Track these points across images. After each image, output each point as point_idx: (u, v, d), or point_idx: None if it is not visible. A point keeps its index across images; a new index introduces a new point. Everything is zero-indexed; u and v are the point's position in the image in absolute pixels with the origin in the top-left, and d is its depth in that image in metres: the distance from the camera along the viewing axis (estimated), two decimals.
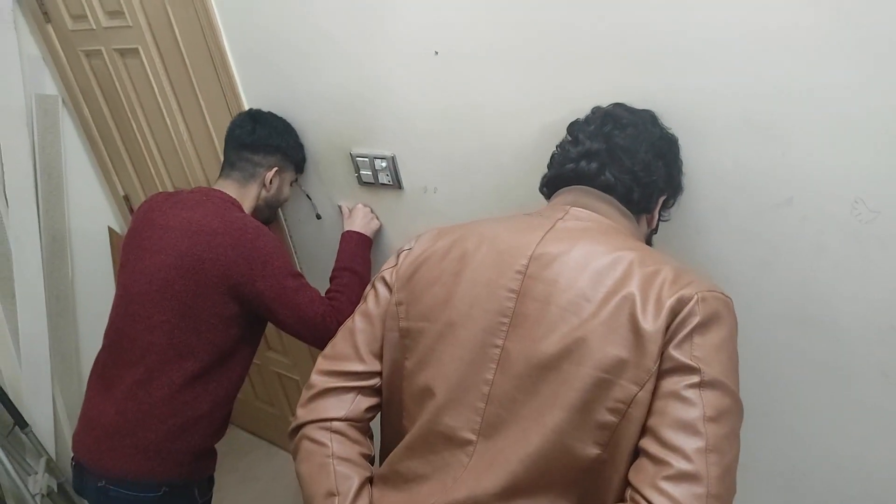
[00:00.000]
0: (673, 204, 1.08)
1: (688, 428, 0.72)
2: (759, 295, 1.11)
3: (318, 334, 1.39)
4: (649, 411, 0.76)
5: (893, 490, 1.14)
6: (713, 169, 1.06)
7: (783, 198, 1.02)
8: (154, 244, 1.39)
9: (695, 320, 0.76)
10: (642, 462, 0.74)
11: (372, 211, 1.63)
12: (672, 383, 0.75)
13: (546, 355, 0.80)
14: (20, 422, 2.13)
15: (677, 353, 0.75)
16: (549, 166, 1.06)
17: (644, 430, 0.76)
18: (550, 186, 1.04)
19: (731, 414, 0.75)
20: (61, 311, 2.33)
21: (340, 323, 1.35)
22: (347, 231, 1.58)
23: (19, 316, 2.17)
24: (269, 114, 1.60)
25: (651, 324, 0.76)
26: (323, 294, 1.45)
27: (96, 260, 2.48)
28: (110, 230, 2.48)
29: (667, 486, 0.70)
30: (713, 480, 0.70)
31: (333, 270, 1.52)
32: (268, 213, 1.62)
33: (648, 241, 1.06)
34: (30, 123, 2.15)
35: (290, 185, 1.64)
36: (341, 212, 1.67)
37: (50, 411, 2.28)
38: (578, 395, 0.77)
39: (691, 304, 0.76)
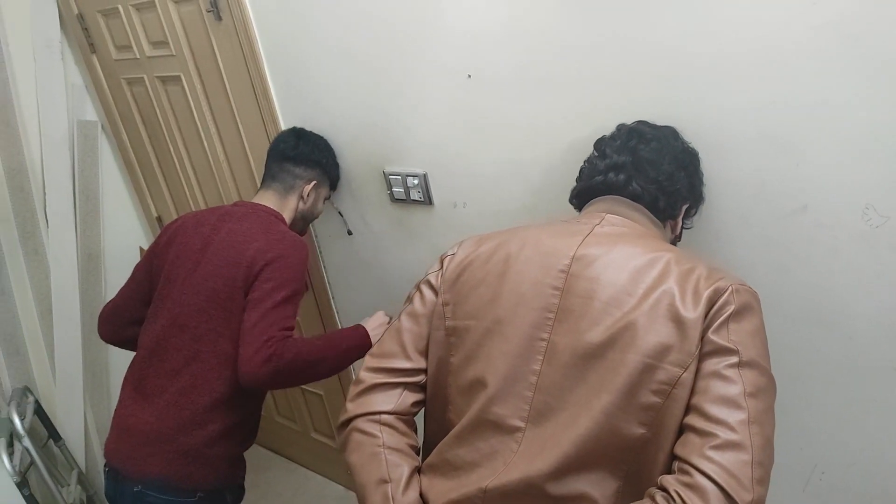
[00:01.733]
0: (695, 213, 1.16)
1: (730, 403, 0.79)
2: (779, 297, 1.18)
3: (246, 355, 1.32)
4: (692, 391, 0.83)
5: None
6: (733, 180, 1.14)
7: (798, 205, 1.10)
8: (202, 256, 1.45)
9: (731, 308, 0.83)
10: (688, 436, 0.81)
11: (391, 320, 1.48)
12: (713, 364, 0.82)
13: (592, 345, 0.87)
14: (54, 435, 2.20)
15: (716, 337, 0.82)
16: (578, 179, 1.15)
17: (688, 409, 0.83)
18: (580, 198, 1.13)
19: (768, 391, 0.83)
20: (94, 328, 2.39)
21: (274, 362, 1.31)
22: (358, 326, 1.54)
23: (55, 332, 2.25)
24: (312, 132, 1.70)
25: (691, 312, 0.84)
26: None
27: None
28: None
29: (714, 454, 0.77)
30: (756, 449, 0.77)
31: (321, 335, 1.51)
32: (301, 226, 1.70)
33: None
34: (71, 148, 2.26)
35: (324, 201, 1.73)
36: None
37: (81, 426, 2.34)
38: (625, 380, 0.84)
39: (727, 294, 0.84)
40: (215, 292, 1.42)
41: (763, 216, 1.14)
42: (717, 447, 0.77)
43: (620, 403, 0.84)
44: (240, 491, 1.58)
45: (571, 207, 1.16)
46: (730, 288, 0.85)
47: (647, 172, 1.05)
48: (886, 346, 1.12)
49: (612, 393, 0.85)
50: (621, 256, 0.92)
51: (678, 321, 0.84)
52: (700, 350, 0.83)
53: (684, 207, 1.11)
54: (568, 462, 0.86)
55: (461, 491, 0.92)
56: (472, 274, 1.03)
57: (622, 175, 1.05)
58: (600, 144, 1.13)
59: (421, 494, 0.98)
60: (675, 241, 1.15)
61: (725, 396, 0.80)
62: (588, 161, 1.14)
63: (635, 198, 1.05)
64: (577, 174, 1.16)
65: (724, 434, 0.78)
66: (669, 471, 0.82)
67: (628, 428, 0.84)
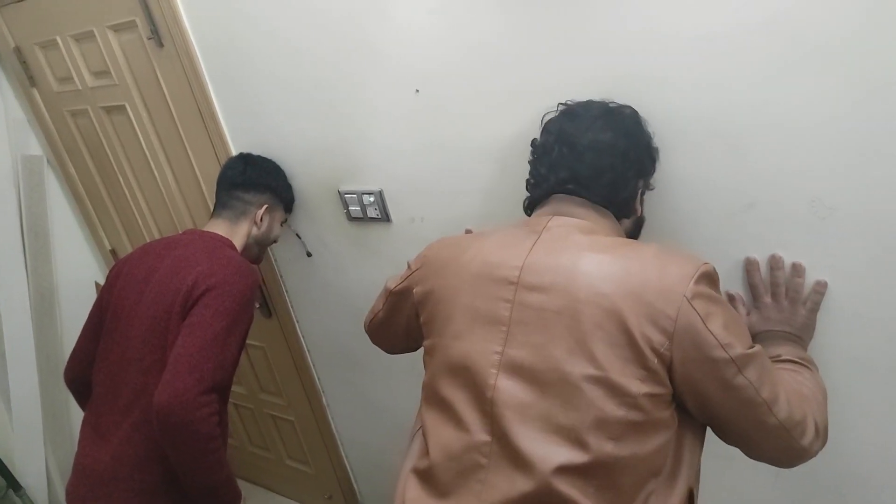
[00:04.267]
0: (654, 172, 1.11)
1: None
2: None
3: (174, 381, 1.23)
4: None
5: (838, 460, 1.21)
6: (683, 179, 1.15)
7: (747, 202, 1.11)
8: (146, 286, 1.42)
9: (697, 322, 0.84)
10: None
11: None
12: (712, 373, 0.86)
13: (553, 359, 0.87)
14: (13, 484, 2.12)
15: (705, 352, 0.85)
16: (527, 189, 1.12)
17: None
18: (531, 209, 1.11)
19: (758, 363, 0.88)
20: (52, 369, 2.32)
21: (198, 408, 1.24)
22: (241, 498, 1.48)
23: (10, 377, 2.17)
24: (260, 156, 1.67)
25: (645, 338, 0.84)
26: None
27: (83, 314, 2.46)
28: (97, 284, 2.50)
29: None
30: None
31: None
32: (257, 252, 1.67)
33: (638, 226, 1.13)
34: (16, 184, 2.19)
35: (281, 224, 1.70)
36: None
37: (43, 472, 2.26)
38: (583, 397, 0.85)
39: (685, 316, 0.84)
40: (156, 321, 1.37)
41: (713, 214, 1.15)
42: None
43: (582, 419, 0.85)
44: None
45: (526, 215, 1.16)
46: (682, 303, 0.84)
47: (589, 187, 1.02)
48: (842, 336, 1.13)
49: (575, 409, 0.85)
50: (568, 261, 0.91)
51: (630, 340, 0.85)
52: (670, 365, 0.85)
53: (639, 194, 1.09)
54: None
55: None
56: (433, 289, 1.04)
57: (569, 187, 1.04)
58: (535, 153, 1.10)
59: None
60: (638, 223, 1.13)
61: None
62: (530, 171, 1.11)
63: (585, 201, 1.03)
64: (525, 184, 1.13)
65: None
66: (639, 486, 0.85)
67: (597, 444, 0.84)
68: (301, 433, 2.35)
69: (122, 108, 1.93)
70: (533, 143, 1.12)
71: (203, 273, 1.35)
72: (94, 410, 1.46)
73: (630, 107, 1.09)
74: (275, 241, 1.71)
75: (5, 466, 2.09)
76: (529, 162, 1.12)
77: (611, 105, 1.08)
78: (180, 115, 1.81)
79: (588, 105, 1.09)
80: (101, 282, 2.50)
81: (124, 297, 1.46)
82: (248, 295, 1.38)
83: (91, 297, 2.50)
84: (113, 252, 2.42)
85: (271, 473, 2.66)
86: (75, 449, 1.50)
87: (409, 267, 1.13)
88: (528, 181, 1.12)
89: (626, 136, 1.05)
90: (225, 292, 1.33)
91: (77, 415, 2.39)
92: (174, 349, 1.28)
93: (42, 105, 2.16)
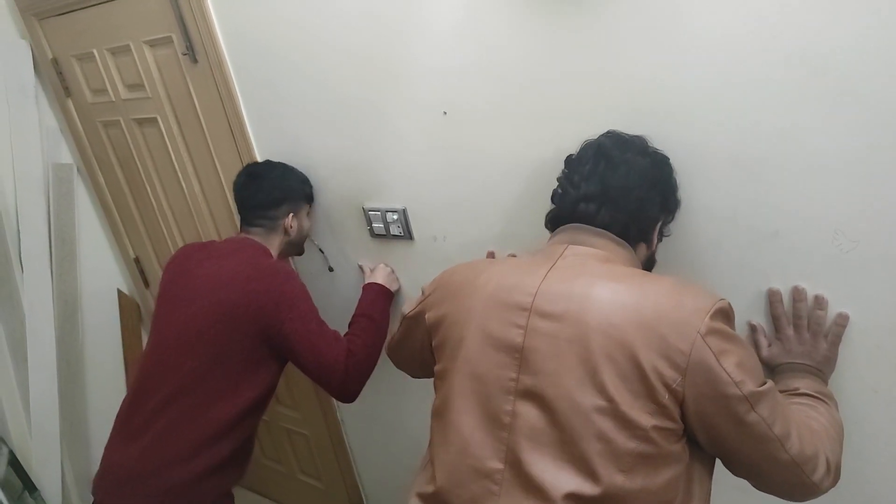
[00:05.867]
0: (672, 220, 1.15)
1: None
2: (754, 320, 1.20)
3: (336, 377, 1.45)
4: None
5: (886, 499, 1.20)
6: (706, 206, 1.16)
7: (770, 231, 1.12)
8: (189, 293, 1.47)
9: (710, 359, 0.84)
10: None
11: (393, 272, 1.70)
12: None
13: (564, 388, 0.88)
14: (29, 486, 2.14)
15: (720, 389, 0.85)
16: (552, 201, 1.13)
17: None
18: (554, 224, 1.12)
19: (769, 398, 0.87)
20: (71, 375, 2.36)
21: (357, 365, 1.44)
22: (369, 283, 1.66)
23: (31, 382, 2.20)
24: (265, 163, 1.68)
25: (656, 373, 0.85)
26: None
27: (105, 322, 2.52)
28: (119, 292, 2.54)
29: None
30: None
31: (353, 317, 1.59)
32: (297, 250, 1.73)
33: (649, 265, 1.14)
34: (46, 192, 2.24)
35: (308, 214, 1.71)
36: (362, 270, 1.75)
37: (58, 476, 2.28)
38: (594, 428, 0.85)
39: (698, 352, 0.84)
40: (203, 330, 1.42)
41: (736, 242, 1.16)
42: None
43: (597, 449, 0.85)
44: None
45: (547, 231, 1.16)
46: (695, 341, 0.84)
47: (616, 202, 1.03)
48: (864, 369, 1.13)
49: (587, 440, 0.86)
50: (582, 290, 0.91)
51: (641, 373, 0.85)
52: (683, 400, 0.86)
53: (658, 226, 1.10)
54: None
55: None
56: (445, 314, 1.05)
57: (592, 205, 1.04)
58: (569, 166, 1.12)
59: None
60: (651, 257, 1.14)
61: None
62: (559, 183, 1.12)
63: (605, 227, 1.04)
64: (551, 196, 1.15)
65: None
66: None
67: (607, 475, 0.85)
68: (314, 448, 2.35)
69: (153, 121, 1.98)
70: (568, 158, 1.13)
71: (259, 292, 1.43)
72: (126, 410, 1.50)
73: (665, 154, 1.12)
74: (309, 233, 1.74)
75: (22, 468, 2.11)
76: (559, 177, 1.13)
77: (649, 144, 1.11)
78: (210, 129, 1.85)
79: (629, 136, 1.11)
80: (123, 289, 2.55)
81: (164, 303, 1.53)
82: (304, 289, 1.51)
83: (113, 305, 2.56)
84: (137, 261, 2.46)
85: (282, 487, 2.66)
86: (91, 455, 1.53)
87: (422, 292, 1.14)
88: (555, 192, 1.12)
89: (660, 169, 1.09)
90: (292, 301, 1.45)
91: (95, 421, 2.43)
92: (305, 364, 1.46)
93: (76, 115, 2.22)
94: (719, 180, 1.13)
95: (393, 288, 1.67)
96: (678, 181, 1.14)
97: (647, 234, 1.08)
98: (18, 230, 2.18)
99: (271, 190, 1.62)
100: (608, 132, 1.13)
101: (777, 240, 1.12)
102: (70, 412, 2.34)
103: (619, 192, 1.03)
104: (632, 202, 1.03)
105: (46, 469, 2.24)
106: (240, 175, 1.66)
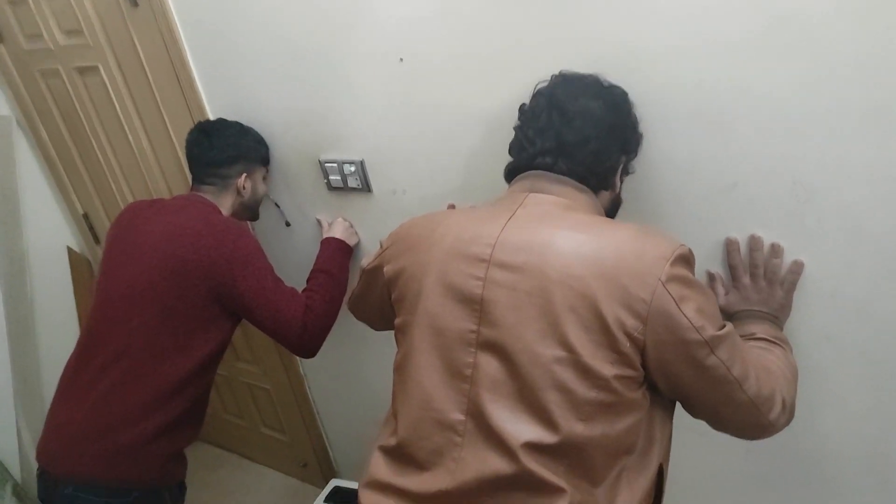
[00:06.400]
0: (635, 157, 1.13)
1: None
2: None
3: (294, 333, 1.44)
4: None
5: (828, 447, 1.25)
6: (667, 158, 1.15)
7: (729, 182, 1.12)
8: (137, 250, 1.42)
9: (671, 305, 0.84)
10: None
11: (352, 226, 1.67)
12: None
13: (524, 340, 0.87)
14: None
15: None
16: (510, 153, 1.10)
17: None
18: (512, 175, 1.09)
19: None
20: (22, 333, 2.28)
21: (315, 321, 1.42)
22: (327, 237, 1.63)
23: None
24: (220, 122, 1.61)
25: (618, 323, 0.85)
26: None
27: (56, 279, 2.44)
28: (69, 249, 2.45)
29: None
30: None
31: (310, 272, 1.56)
32: (251, 214, 1.67)
33: (615, 207, 1.12)
34: None
35: (264, 179, 1.66)
36: (320, 224, 1.71)
37: (13, 436, 2.23)
38: (554, 379, 0.86)
39: (659, 299, 0.84)
40: (150, 286, 1.38)
41: (695, 193, 1.16)
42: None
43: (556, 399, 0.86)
44: (180, 489, 1.54)
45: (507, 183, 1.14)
46: (656, 289, 0.84)
47: (573, 156, 1.01)
48: (818, 316, 1.16)
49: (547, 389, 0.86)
50: (544, 240, 0.90)
51: (603, 324, 0.85)
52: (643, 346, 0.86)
53: (620, 168, 1.08)
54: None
55: (422, 489, 0.92)
56: (403, 267, 1.03)
57: (549, 159, 1.02)
58: (523, 118, 1.09)
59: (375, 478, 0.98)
60: (615, 201, 1.12)
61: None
62: (515, 135, 1.09)
63: (563, 174, 1.01)
64: (508, 148, 1.11)
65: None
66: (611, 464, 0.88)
67: (566, 424, 0.85)
68: (277, 402, 2.35)
69: (95, 70, 1.87)
70: (521, 108, 1.10)
71: (211, 247, 1.38)
72: (71, 369, 1.46)
73: (621, 88, 1.08)
74: (263, 197, 1.68)
75: None
76: (515, 128, 1.10)
77: (603, 82, 1.07)
78: (156, 79, 1.76)
79: (582, 77, 1.07)
80: (73, 246, 2.46)
81: (111, 258, 1.48)
82: (258, 246, 1.48)
83: (63, 262, 2.47)
84: (86, 216, 2.37)
85: (246, 441, 2.66)
86: (46, 410, 1.49)
87: (381, 245, 1.12)
88: (511, 145, 1.09)
89: (615, 110, 1.05)
90: (245, 257, 1.41)
91: (50, 381, 2.37)
92: (262, 321, 1.43)
93: (10, 63, 2.09)
94: (679, 133, 1.12)
95: (352, 242, 1.64)
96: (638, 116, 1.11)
97: (607, 181, 1.05)
98: None
99: (224, 147, 1.55)
100: (560, 74, 1.09)
101: (735, 191, 1.12)
102: (22, 370, 2.28)
103: (574, 146, 1.00)
104: (587, 156, 1.01)
105: (1, 428, 2.20)
106: (192, 131, 1.59)
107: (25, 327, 2.30)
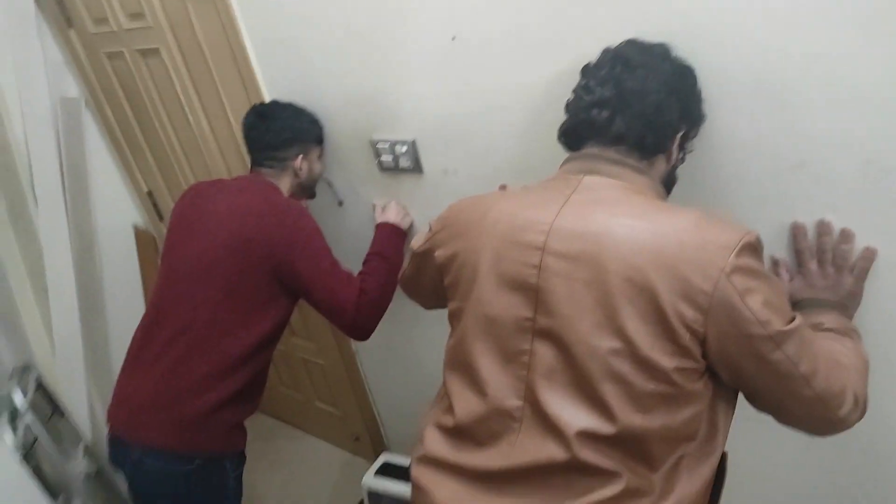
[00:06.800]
0: (695, 135, 1.08)
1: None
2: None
3: (348, 315, 1.46)
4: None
5: None
6: (729, 135, 1.10)
7: (796, 161, 1.06)
8: (202, 227, 1.47)
9: (734, 298, 0.81)
10: None
11: (405, 209, 1.67)
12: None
13: (580, 332, 0.86)
14: (58, 410, 2.20)
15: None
16: (566, 111, 1.06)
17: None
18: (567, 136, 1.06)
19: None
20: (91, 306, 2.40)
21: (369, 304, 1.43)
22: (382, 222, 1.63)
23: (52, 310, 2.24)
24: (274, 104, 1.63)
25: (677, 315, 0.82)
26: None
27: (122, 256, 2.54)
28: (135, 228, 2.55)
29: None
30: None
31: (366, 256, 1.58)
32: (307, 193, 1.71)
33: (669, 182, 1.07)
34: (55, 126, 2.21)
35: (319, 158, 1.68)
36: (374, 209, 1.71)
37: (85, 400, 2.35)
38: (611, 371, 0.84)
39: (722, 291, 0.81)
40: (215, 263, 1.43)
41: (759, 173, 1.11)
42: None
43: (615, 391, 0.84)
44: (240, 458, 1.59)
45: (562, 153, 1.09)
46: (718, 279, 0.81)
47: (632, 106, 0.96)
48: (891, 304, 1.10)
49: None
50: (598, 227, 0.87)
51: (662, 316, 0.82)
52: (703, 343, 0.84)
53: (678, 136, 1.03)
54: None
55: (477, 467, 0.93)
56: (455, 252, 1.02)
57: (605, 112, 0.98)
58: (585, 73, 1.05)
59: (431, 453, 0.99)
60: (671, 174, 1.07)
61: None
62: (574, 92, 1.05)
63: (619, 137, 0.97)
64: (565, 106, 1.07)
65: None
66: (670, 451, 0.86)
67: (624, 416, 0.84)
68: (330, 377, 2.40)
69: (156, 52, 1.92)
70: (585, 66, 1.05)
71: (272, 226, 1.42)
72: (139, 340, 1.52)
73: (689, 64, 1.04)
74: (320, 175, 1.71)
75: (50, 393, 2.18)
76: (574, 90, 1.05)
77: (672, 51, 1.03)
78: (214, 61, 1.79)
79: (651, 43, 1.03)
80: (140, 225, 2.56)
81: (176, 235, 1.53)
82: (316, 227, 1.51)
83: (130, 239, 2.58)
84: (150, 194, 2.45)
85: (301, 413, 2.73)
86: (114, 378, 1.57)
87: (430, 228, 1.11)
88: (568, 101, 1.05)
89: (681, 77, 1.01)
90: (306, 239, 1.45)
91: (117, 353, 2.49)
92: (318, 303, 1.47)
93: (79, 47, 2.16)
94: (743, 107, 1.06)
95: (405, 225, 1.65)
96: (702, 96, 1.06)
97: (664, 143, 1.00)
98: (31, 165, 2.17)
99: (280, 131, 1.58)
100: (629, 40, 1.05)
101: (803, 170, 1.07)
102: (92, 340, 2.40)
103: (635, 95, 0.96)
104: (648, 106, 0.96)
105: (73, 393, 2.32)
106: (248, 115, 1.62)
107: (94, 300, 2.42)
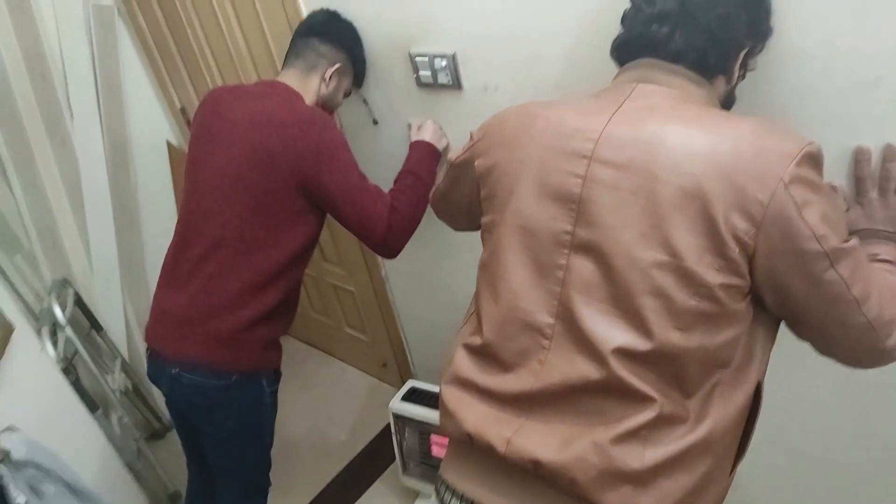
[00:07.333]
0: (760, 50, 1.00)
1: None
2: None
3: (378, 232, 1.42)
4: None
5: None
6: (797, 46, 1.01)
7: (872, 77, 0.97)
8: (224, 138, 1.41)
9: (791, 210, 0.75)
10: None
11: (441, 129, 1.61)
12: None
13: (623, 243, 0.81)
14: (96, 325, 2.26)
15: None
16: (622, 23, 0.99)
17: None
18: (620, 51, 0.98)
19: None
20: (127, 222, 2.42)
21: (400, 222, 1.39)
22: (417, 140, 1.58)
23: (89, 226, 2.27)
24: (348, 21, 1.59)
25: (729, 225, 0.77)
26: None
27: (156, 173, 2.55)
28: (169, 145, 2.54)
29: None
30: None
31: (399, 173, 1.53)
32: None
33: (728, 102, 1.01)
34: (88, 35, 2.18)
35: (344, 95, 1.63)
36: (409, 128, 1.66)
37: (121, 316, 2.40)
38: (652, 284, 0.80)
39: (778, 202, 0.75)
40: (239, 178, 1.38)
41: (828, 90, 1.02)
42: None
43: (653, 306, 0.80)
44: (275, 375, 1.60)
45: (612, 77, 1.04)
46: (777, 190, 0.75)
47: (696, 21, 0.89)
48: None
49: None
50: (650, 134, 0.81)
51: (712, 227, 0.77)
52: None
53: (742, 53, 0.95)
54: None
55: (506, 389, 0.90)
56: (497, 162, 0.96)
57: (665, 27, 0.90)
58: None
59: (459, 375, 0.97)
60: (731, 91, 1.00)
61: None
62: (631, 3, 0.97)
63: (678, 56, 0.90)
64: (621, 18, 0.99)
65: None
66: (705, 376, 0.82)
67: (662, 332, 0.80)
68: (360, 303, 2.40)
69: None
70: None
71: (297, 137, 1.36)
72: (172, 257, 1.51)
73: None
74: (336, 108, 1.65)
75: (88, 309, 2.23)
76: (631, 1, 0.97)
77: None
78: None
79: None
80: (172, 140, 2.54)
81: (200, 148, 1.48)
82: (340, 135, 1.44)
83: (163, 155, 2.57)
84: (183, 111, 2.43)
85: (330, 339, 2.76)
86: (150, 296, 1.57)
87: (471, 137, 1.05)
88: (626, 12, 0.97)
89: None
90: (332, 151, 1.38)
91: (152, 267, 2.52)
92: (347, 217, 1.42)
93: None
94: (816, 13, 0.97)
95: (441, 146, 1.59)
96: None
97: (728, 62, 0.93)
98: (66, 76, 2.15)
99: (341, 32, 1.55)
100: None
101: (877, 89, 0.97)
102: (128, 256, 2.43)
103: (699, 7, 0.88)
104: (714, 20, 0.88)
105: (110, 309, 2.37)
106: (318, 9, 1.60)
107: (131, 216, 2.44)
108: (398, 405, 1.94)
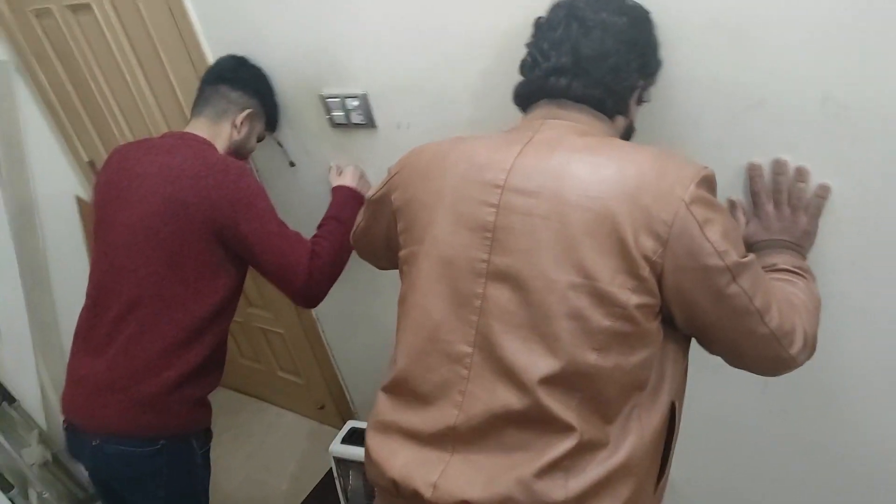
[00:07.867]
0: (652, 84, 1.06)
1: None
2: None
3: (299, 280, 1.39)
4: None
5: None
6: (685, 76, 1.07)
7: (755, 99, 1.04)
8: (133, 194, 1.36)
9: (693, 228, 0.80)
10: None
11: (364, 174, 1.61)
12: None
13: (538, 266, 0.83)
14: (7, 397, 2.12)
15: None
16: (521, 72, 1.04)
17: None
18: (522, 98, 1.03)
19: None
20: (36, 283, 2.29)
21: (322, 268, 1.38)
22: (338, 185, 1.57)
23: None
24: (257, 66, 1.58)
25: (638, 246, 0.80)
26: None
27: (66, 229, 2.43)
28: (79, 199, 2.43)
29: None
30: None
31: (322, 219, 1.51)
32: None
33: (628, 135, 1.06)
34: None
35: (257, 140, 1.61)
36: (330, 171, 1.65)
37: (36, 384, 2.26)
38: (569, 306, 0.82)
39: (682, 221, 0.80)
40: (154, 231, 1.33)
41: (717, 114, 1.09)
42: None
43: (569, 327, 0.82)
44: (206, 435, 1.54)
45: (519, 115, 1.08)
46: (679, 210, 0.80)
47: (589, 73, 0.94)
48: (843, 241, 1.10)
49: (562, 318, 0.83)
50: (559, 164, 0.85)
51: (623, 247, 0.81)
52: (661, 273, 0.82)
53: (636, 94, 1.02)
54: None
55: (428, 426, 0.90)
56: (413, 195, 0.98)
57: (563, 79, 0.95)
58: (538, 32, 1.01)
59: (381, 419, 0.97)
60: (629, 125, 1.05)
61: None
62: (529, 52, 1.02)
63: (579, 100, 0.95)
64: (520, 66, 1.04)
65: None
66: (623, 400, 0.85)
67: (579, 353, 0.82)
68: (291, 346, 2.35)
69: (87, 7, 1.81)
70: (537, 21, 1.02)
71: (211, 186, 1.32)
72: (85, 321, 1.44)
73: (644, 7, 1.01)
74: (250, 153, 1.63)
75: None
76: (528, 44, 1.02)
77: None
78: (150, 15, 1.69)
79: None
80: (82, 195, 2.44)
81: (108, 206, 1.41)
82: (259, 186, 1.41)
83: (72, 211, 2.46)
84: (91, 164, 2.34)
85: (263, 385, 2.69)
86: (66, 358, 1.49)
87: (388, 172, 1.06)
88: (522, 62, 1.02)
89: (637, 26, 0.98)
90: (248, 200, 1.35)
91: (67, 330, 2.39)
92: (265, 266, 1.38)
93: (3, 5, 2.02)
94: (699, 46, 1.04)
95: (363, 190, 1.58)
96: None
97: (624, 104, 0.99)
98: None
99: (250, 79, 1.54)
100: None
101: (761, 109, 1.05)
102: (39, 320, 2.30)
103: (592, 61, 0.94)
104: (607, 73, 0.94)
105: (23, 378, 2.22)
106: (226, 56, 1.57)
107: (39, 277, 2.31)
108: (339, 448, 1.91)
